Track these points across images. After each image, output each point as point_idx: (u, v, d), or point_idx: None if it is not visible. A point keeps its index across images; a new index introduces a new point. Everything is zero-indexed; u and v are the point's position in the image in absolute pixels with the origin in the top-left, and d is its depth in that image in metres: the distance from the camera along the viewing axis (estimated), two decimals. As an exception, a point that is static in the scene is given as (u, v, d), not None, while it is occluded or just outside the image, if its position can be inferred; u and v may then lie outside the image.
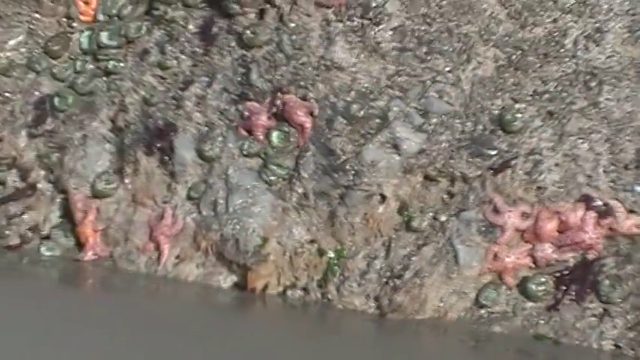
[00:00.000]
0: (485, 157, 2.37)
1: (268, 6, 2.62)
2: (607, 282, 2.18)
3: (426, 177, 2.43)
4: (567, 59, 2.36)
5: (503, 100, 2.39)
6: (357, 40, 2.51)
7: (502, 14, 2.43)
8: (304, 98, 2.54)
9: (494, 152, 2.36)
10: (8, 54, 3.03)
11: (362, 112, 2.46)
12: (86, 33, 2.97)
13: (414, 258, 2.38)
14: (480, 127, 2.39)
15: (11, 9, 3.02)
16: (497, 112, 2.38)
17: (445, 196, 2.43)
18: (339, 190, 2.48)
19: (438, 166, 2.41)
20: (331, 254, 2.48)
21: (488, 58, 2.43)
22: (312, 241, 2.52)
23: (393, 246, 2.43)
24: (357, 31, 2.51)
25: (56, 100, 2.93)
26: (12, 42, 3.03)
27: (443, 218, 2.39)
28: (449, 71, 2.44)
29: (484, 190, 2.36)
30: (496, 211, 2.31)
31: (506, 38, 2.41)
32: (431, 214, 2.42)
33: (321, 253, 2.50)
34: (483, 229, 2.34)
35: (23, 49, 3.04)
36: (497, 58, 2.42)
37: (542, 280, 2.26)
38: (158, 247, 2.68)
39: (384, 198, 2.45)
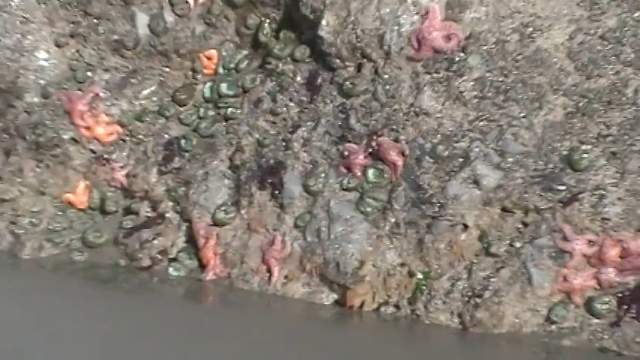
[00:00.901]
0: (555, 191, 2.45)
1: (365, 60, 2.74)
2: (664, 302, 2.27)
3: (503, 209, 2.51)
4: (628, 106, 2.44)
5: (571, 142, 2.47)
6: (443, 90, 2.61)
7: (570, 67, 2.52)
8: (396, 140, 2.65)
9: (563, 187, 2.44)
10: (142, 102, 3.22)
11: (447, 152, 2.57)
12: (208, 84, 3.14)
13: (492, 279, 2.47)
14: (551, 165, 2.47)
15: (145, 64, 3.22)
16: (565, 152, 2.47)
17: (520, 226, 2.50)
18: (427, 220, 2.57)
19: (514, 200, 2.49)
20: (420, 276, 2.57)
21: (557, 106, 2.51)
22: (402, 264, 2.61)
23: (474, 269, 2.51)
24: (442, 81, 2.62)
25: (182, 141, 3.10)
26: (145, 92, 3.22)
27: (518, 245, 2.48)
28: (523, 117, 2.52)
29: (554, 221, 2.44)
30: (565, 239, 2.41)
31: (574, 88, 2.50)
32: (507, 241, 2.50)
33: (410, 274, 2.58)
34: (554, 254, 2.43)
35: (155, 98, 3.21)
36: (566, 105, 2.50)
37: (606, 299, 2.35)
38: (269, 269, 2.79)
39: (466, 227, 2.54)
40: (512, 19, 2.58)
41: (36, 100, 3.25)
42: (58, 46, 3.26)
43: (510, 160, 2.50)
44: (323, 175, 2.78)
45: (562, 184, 2.45)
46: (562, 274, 2.39)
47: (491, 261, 2.51)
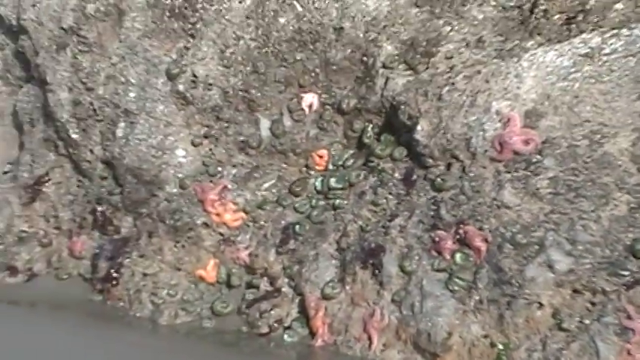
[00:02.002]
0: (620, 276, 2.59)
1: (454, 160, 2.94)
2: None
3: (574, 290, 2.65)
4: (683, 203, 2.61)
5: (634, 234, 2.61)
6: (521, 187, 2.77)
7: (633, 169, 2.67)
8: (480, 229, 2.82)
9: (627, 273, 2.58)
10: (263, 193, 3.47)
11: (524, 240, 2.73)
12: (320, 178, 3.36)
13: (564, 352, 2.61)
14: (616, 253, 2.61)
15: (266, 161, 3.49)
16: (629, 242, 2.61)
17: (589, 305, 2.63)
18: (507, 298, 2.72)
19: (583, 282, 2.64)
20: (500, 346, 2.70)
21: (622, 202, 2.65)
22: (485, 336, 2.74)
23: (548, 342, 2.64)
24: (521, 179, 2.78)
25: (297, 227, 3.32)
26: (266, 184, 3.48)
27: (587, 322, 2.61)
28: (592, 211, 2.67)
29: (619, 302, 2.58)
30: (629, 317, 2.55)
31: (637, 187, 2.65)
32: (578, 318, 2.63)
33: (492, 345, 2.71)
34: (619, 331, 2.56)
35: (274, 190, 3.46)
36: (630, 201, 2.64)
37: (665, 372, 2.50)
38: (369, 337, 2.95)
39: (541, 305, 2.67)
40: (583, 127, 2.75)
41: (175, 190, 3.55)
42: (194, 145, 3.59)
43: (580, 248, 2.65)
44: (417, 257, 2.96)
45: (626, 270, 2.58)
46: (626, 348, 2.52)
47: (563, 335, 2.63)
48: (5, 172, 4.16)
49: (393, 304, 2.94)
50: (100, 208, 3.75)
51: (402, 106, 3.08)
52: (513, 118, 2.81)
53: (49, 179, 3.92)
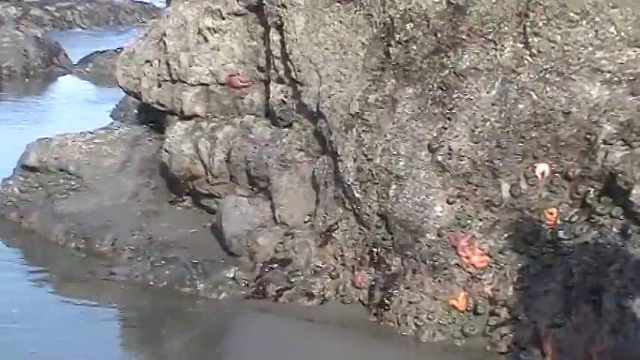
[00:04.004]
0: None
1: None
2: None
3: None
4: None
5: None
6: None
7: None
8: None
9: None
10: (504, 241, 3.90)
11: None
12: (550, 231, 3.75)
13: None
14: None
15: (506, 216, 3.92)
16: None
17: None
18: None
19: None
20: None
21: None
22: None
23: None
24: None
25: (530, 269, 3.69)
26: (506, 234, 3.91)
27: None
28: None
29: None
30: None
31: None
32: None
33: None
34: None
35: (512, 239, 3.88)
36: None
37: None
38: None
39: None
40: None
41: (434, 238, 4.09)
42: (449, 203, 4.12)
43: None
44: (631, 295, 3.29)
45: None
46: None
47: None
48: (305, 222, 4.82)
49: (611, 334, 3.25)
50: (375, 250, 4.35)
51: (620, 175, 3.49)
52: None
53: (338, 227, 4.54)
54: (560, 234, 3.73)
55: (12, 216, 5.89)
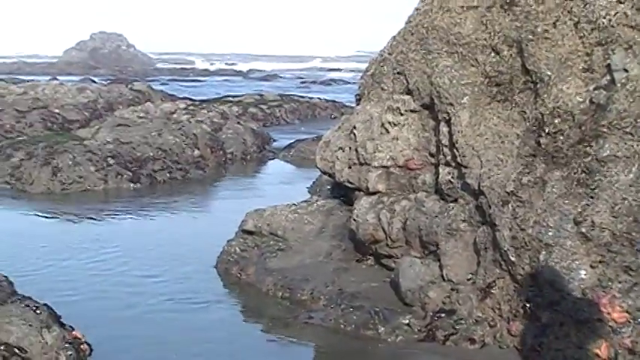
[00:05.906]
0: None
1: None
2: None
3: None
4: None
5: None
6: None
7: None
8: None
9: None
10: None
11: None
12: None
13: None
14: None
15: None
16: None
17: None
18: None
19: None
20: None
21: None
22: None
23: None
24: None
25: None
26: None
27: None
28: None
29: None
30: None
31: None
32: None
33: None
34: None
35: None
36: None
37: None
38: None
39: None
40: None
41: (579, 296, 4.26)
42: (592, 267, 4.31)
43: None
44: None
45: None
46: None
47: None
48: (468, 279, 5.17)
49: None
50: (528, 305, 4.61)
51: None
52: None
53: (496, 285, 4.87)
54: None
55: (234, 270, 6.57)
